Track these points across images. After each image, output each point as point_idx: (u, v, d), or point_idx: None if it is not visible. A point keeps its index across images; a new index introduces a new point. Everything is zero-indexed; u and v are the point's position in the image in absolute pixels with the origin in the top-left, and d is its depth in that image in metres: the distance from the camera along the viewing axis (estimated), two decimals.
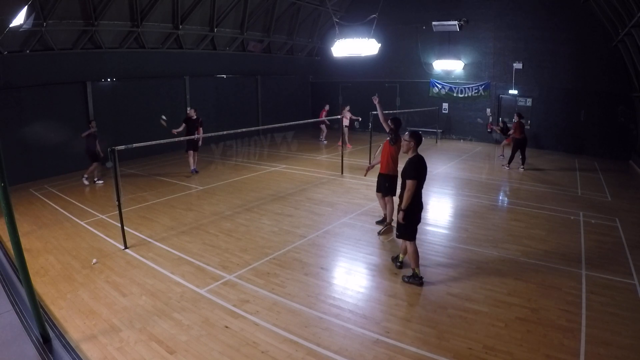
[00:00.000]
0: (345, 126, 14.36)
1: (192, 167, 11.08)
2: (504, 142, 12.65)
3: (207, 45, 15.17)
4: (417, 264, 4.95)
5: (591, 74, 13.65)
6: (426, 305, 4.50)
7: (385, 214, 6.93)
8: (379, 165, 6.86)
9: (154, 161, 12.93)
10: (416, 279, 4.95)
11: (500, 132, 12.98)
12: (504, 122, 13.30)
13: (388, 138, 6.63)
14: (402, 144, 5.00)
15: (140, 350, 3.77)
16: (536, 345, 3.76)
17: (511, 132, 11.58)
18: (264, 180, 10.37)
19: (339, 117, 12.66)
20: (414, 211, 4.77)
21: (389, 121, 6.67)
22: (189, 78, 15.16)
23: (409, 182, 4.65)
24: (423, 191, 4.90)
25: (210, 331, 4.05)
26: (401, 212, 4.72)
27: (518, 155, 11.42)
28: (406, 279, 5.02)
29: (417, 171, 4.66)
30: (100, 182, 10.49)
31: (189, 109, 11.64)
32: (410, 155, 4.84)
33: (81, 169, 11.88)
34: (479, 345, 3.77)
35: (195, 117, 10.65)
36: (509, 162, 11.61)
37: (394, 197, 6.63)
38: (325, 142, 16.36)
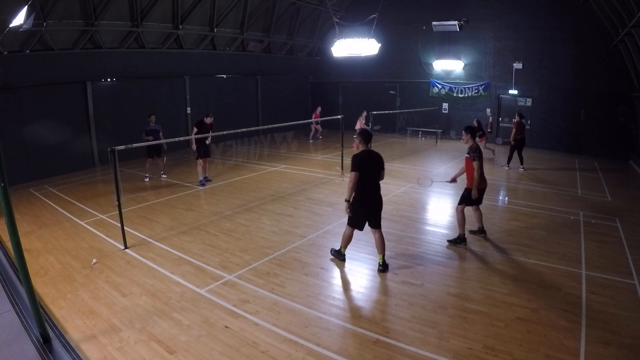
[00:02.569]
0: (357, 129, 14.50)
1: (200, 178, 9.87)
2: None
3: (207, 45, 15.16)
4: (344, 246, 5.52)
5: (591, 74, 13.65)
6: (426, 305, 4.50)
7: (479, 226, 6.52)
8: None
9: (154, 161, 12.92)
10: (339, 255, 5.60)
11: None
12: (478, 121, 12.92)
13: (467, 154, 6.10)
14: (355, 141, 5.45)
15: (140, 350, 3.76)
16: (536, 345, 3.76)
17: (512, 133, 11.44)
18: (264, 180, 10.37)
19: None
20: (359, 203, 5.10)
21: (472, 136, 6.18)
22: (189, 78, 15.17)
23: (350, 174, 5.03)
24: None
25: (210, 331, 4.04)
26: (345, 203, 5.13)
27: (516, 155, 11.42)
28: (332, 252, 5.71)
29: (358, 165, 4.98)
30: (157, 176, 10.80)
31: (200, 115, 10.08)
32: (358, 150, 5.24)
33: (81, 169, 11.95)
34: (479, 345, 3.77)
35: (209, 123, 9.65)
36: (508, 162, 11.59)
37: (466, 207, 6.18)
38: (313, 140, 16.71)
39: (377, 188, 5.22)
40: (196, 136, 9.19)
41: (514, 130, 11.22)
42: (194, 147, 9.43)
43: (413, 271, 5.31)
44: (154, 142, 9.00)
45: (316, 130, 16.94)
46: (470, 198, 6.06)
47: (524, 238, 6.42)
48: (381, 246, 5.29)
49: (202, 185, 9.76)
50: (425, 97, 17.50)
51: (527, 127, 14.86)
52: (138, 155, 10.61)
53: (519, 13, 14.78)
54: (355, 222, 5.26)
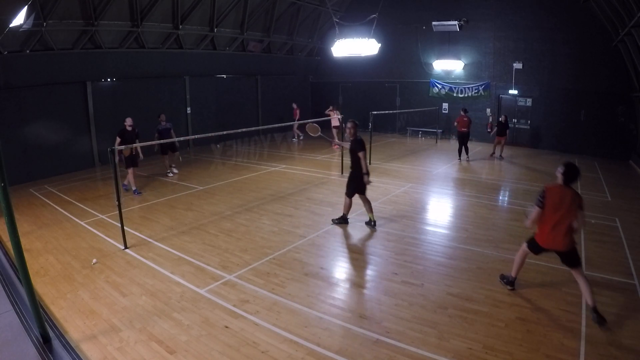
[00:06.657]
0: (334, 127, 14.45)
1: (134, 188, 9.16)
2: (496, 140, 12.87)
3: (207, 45, 15.17)
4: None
5: (591, 74, 13.65)
6: (426, 305, 4.50)
7: None
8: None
9: (154, 161, 12.91)
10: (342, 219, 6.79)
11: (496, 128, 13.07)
12: (505, 116, 13.34)
13: None
14: None
15: (140, 350, 3.76)
16: (536, 345, 3.76)
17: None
18: (264, 180, 10.37)
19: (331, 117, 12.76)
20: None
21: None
22: (189, 78, 15.17)
23: (361, 153, 6.64)
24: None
25: (210, 331, 4.05)
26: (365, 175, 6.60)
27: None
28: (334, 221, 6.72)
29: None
30: (172, 173, 11.10)
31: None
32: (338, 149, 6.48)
33: (81, 169, 11.95)
34: (479, 345, 3.77)
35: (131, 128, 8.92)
36: (459, 155, 12.33)
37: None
38: (295, 139, 16.73)
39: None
40: (119, 147, 7.18)
41: (456, 123, 12.35)
42: (121, 156, 8.42)
43: (413, 271, 5.31)
44: (163, 141, 9.26)
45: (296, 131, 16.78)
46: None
47: (524, 238, 6.37)
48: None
49: (136, 194, 9.04)
50: (425, 97, 17.50)
51: (527, 126, 14.94)
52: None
53: (519, 13, 14.77)
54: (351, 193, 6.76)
